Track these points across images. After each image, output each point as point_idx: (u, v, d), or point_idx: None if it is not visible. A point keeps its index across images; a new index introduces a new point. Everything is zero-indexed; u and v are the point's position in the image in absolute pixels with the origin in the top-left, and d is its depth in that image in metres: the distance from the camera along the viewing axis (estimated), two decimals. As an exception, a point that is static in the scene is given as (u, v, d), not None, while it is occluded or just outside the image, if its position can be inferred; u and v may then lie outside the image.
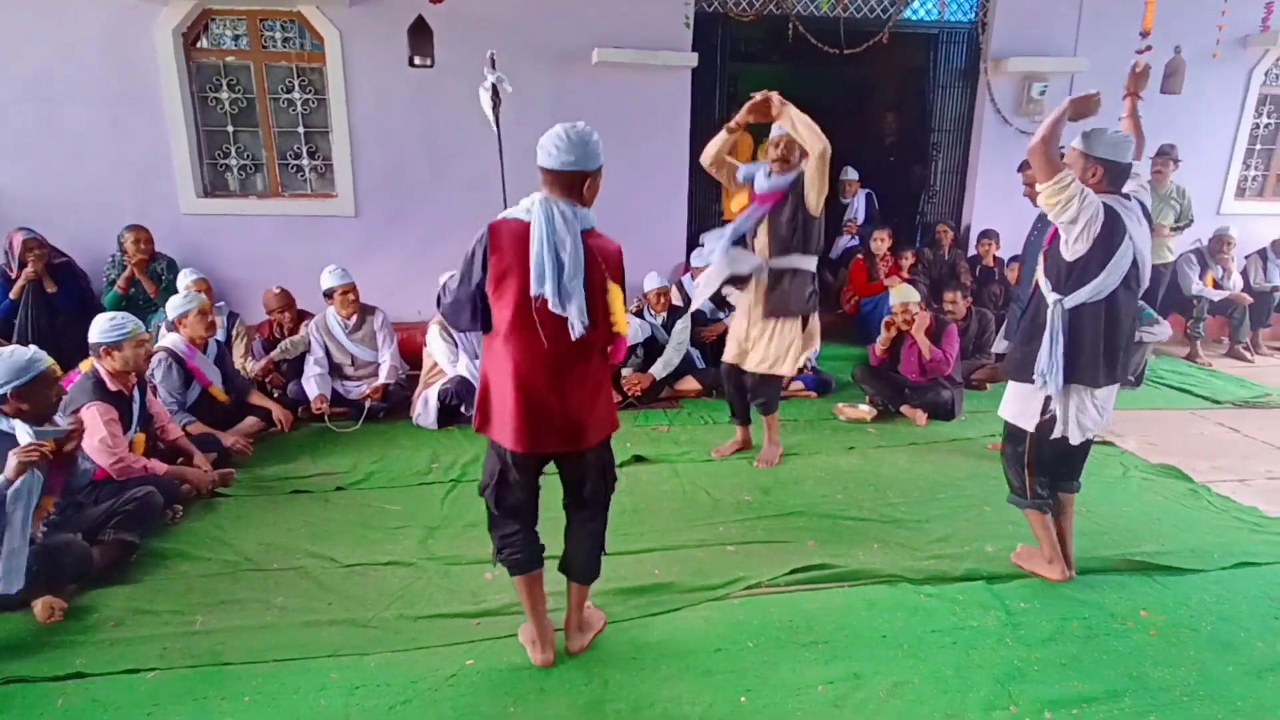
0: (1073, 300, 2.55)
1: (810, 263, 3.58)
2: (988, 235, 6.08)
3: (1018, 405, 2.76)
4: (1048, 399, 2.64)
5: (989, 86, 6.10)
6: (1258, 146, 6.90)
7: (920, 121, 6.75)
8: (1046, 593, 2.77)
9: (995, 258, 6.07)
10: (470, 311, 2.09)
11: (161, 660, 2.34)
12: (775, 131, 3.51)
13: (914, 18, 6.06)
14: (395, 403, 4.53)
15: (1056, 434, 2.66)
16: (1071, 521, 2.91)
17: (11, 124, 5.01)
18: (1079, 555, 2.95)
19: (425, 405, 4.38)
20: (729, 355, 3.84)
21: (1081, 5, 5.97)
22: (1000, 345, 3.94)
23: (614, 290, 2.10)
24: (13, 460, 2.40)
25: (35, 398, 2.63)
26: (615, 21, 5.45)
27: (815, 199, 3.43)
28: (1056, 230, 2.59)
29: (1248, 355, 6.22)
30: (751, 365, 3.71)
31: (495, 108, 3.32)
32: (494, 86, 3.29)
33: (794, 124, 3.30)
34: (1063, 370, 2.56)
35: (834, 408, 4.73)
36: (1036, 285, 2.72)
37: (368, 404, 4.44)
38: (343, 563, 2.93)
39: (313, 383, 4.45)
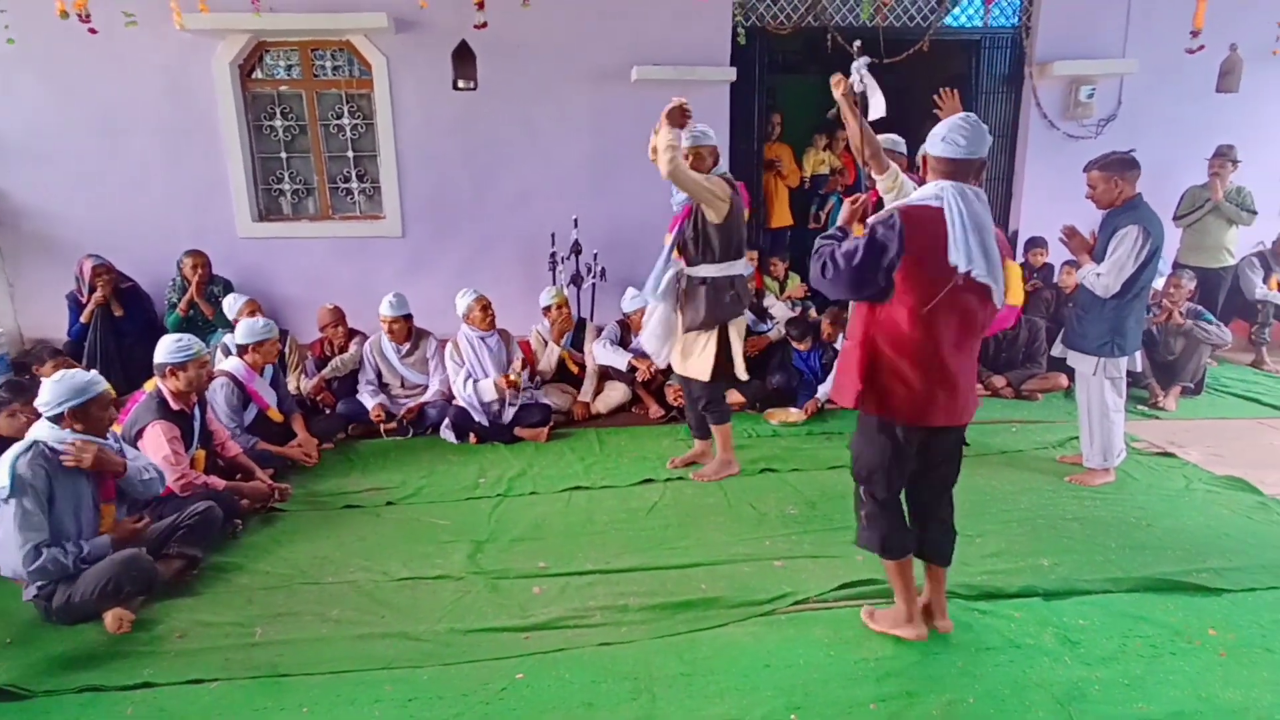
0: None
1: (718, 270, 3.53)
2: (1036, 243, 5.94)
3: None
4: None
5: (1035, 91, 5.98)
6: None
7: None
8: (1107, 610, 2.68)
9: (1046, 264, 5.92)
10: (876, 284, 2.19)
11: (224, 671, 2.42)
12: (684, 143, 3.41)
13: (955, 24, 5.99)
14: (431, 423, 4.55)
15: None
16: None
17: (80, 156, 5.30)
18: (1141, 571, 2.89)
19: (449, 430, 4.50)
20: (674, 364, 3.81)
21: (1130, 5, 5.81)
22: (1058, 349, 3.93)
23: (1012, 266, 2.26)
24: None
25: (90, 418, 2.73)
26: (654, 40, 5.51)
27: (710, 212, 3.42)
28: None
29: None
30: (678, 369, 3.77)
31: (863, 95, 3.08)
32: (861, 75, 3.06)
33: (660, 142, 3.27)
34: None
35: (765, 414, 4.74)
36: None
37: (404, 423, 4.52)
38: (394, 576, 2.99)
39: (367, 395, 4.59)
